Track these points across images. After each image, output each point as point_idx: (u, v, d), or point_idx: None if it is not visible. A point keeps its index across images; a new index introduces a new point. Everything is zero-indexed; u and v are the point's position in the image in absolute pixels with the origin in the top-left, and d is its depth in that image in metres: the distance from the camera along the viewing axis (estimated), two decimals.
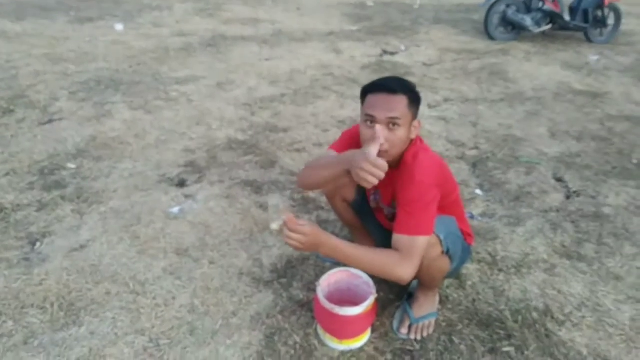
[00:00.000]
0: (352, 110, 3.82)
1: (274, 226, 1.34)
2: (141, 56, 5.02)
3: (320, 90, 4.25)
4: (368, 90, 1.49)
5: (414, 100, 1.48)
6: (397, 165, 1.55)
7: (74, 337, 1.71)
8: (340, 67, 4.90)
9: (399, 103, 1.43)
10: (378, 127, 1.43)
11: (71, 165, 2.85)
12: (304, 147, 3.21)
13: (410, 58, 5.33)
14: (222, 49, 5.39)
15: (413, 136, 1.53)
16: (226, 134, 3.37)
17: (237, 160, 3.00)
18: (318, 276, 1.78)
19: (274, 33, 6.20)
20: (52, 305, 1.83)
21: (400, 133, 1.45)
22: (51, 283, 1.94)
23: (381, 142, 1.42)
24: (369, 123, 1.46)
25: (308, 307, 1.85)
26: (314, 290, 1.69)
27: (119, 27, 6.05)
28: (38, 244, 2.18)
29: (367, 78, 4.42)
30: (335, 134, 3.38)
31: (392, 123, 1.43)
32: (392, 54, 5.50)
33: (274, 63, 4.99)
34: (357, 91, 4.41)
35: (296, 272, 2.06)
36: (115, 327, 1.75)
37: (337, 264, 2.01)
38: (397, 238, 1.44)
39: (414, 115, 1.50)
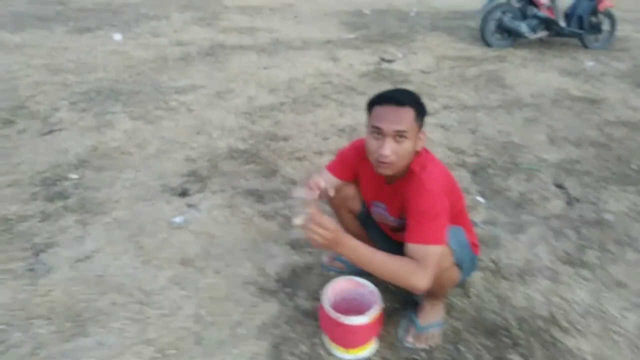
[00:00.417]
0: (351, 118, 3.83)
1: (297, 221, 1.32)
2: (140, 66, 5.03)
3: (320, 98, 4.26)
4: (375, 102, 1.50)
5: (421, 112, 1.50)
6: (404, 175, 1.57)
7: (81, 347, 1.70)
8: (339, 75, 4.91)
9: (406, 115, 1.44)
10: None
11: (73, 176, 2.85)
12: (305, 155, 3.22)
13: (408, 65, 5.36)
14: (220, 58, 5.40)
15: (419, 147, 1.54)
16: (227, 143, 3.37)
17: (238, 169, 3.01)
18: (323, 285, 1.78)
19: (272, 42, 6.22)
20: (58, 316, 1.83)
21: (407, 145, 1.46)
22: (57, 294, 1.94)
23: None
24: (375, 135, 1.47)
25: (314, 317, 1.85)
26: (319, 300, 1.69)
27: (118, 37, 6.06)
28: (42, 254, 2.18)
29: (366, 86, 4.45)
30: (335, 142, 3.39)
31: (399, 135, 1.44)
32: (390, 61, 5.52)
33: (273, 72, 5.00)
34: (356, 99, 4.44)
35: (301, 281, 2.07)
36: (122, 337, 1.75)
37: (342, 272, 2.01)
38: (410, 247, 1.44)
39: (420, 127, 1.51)
